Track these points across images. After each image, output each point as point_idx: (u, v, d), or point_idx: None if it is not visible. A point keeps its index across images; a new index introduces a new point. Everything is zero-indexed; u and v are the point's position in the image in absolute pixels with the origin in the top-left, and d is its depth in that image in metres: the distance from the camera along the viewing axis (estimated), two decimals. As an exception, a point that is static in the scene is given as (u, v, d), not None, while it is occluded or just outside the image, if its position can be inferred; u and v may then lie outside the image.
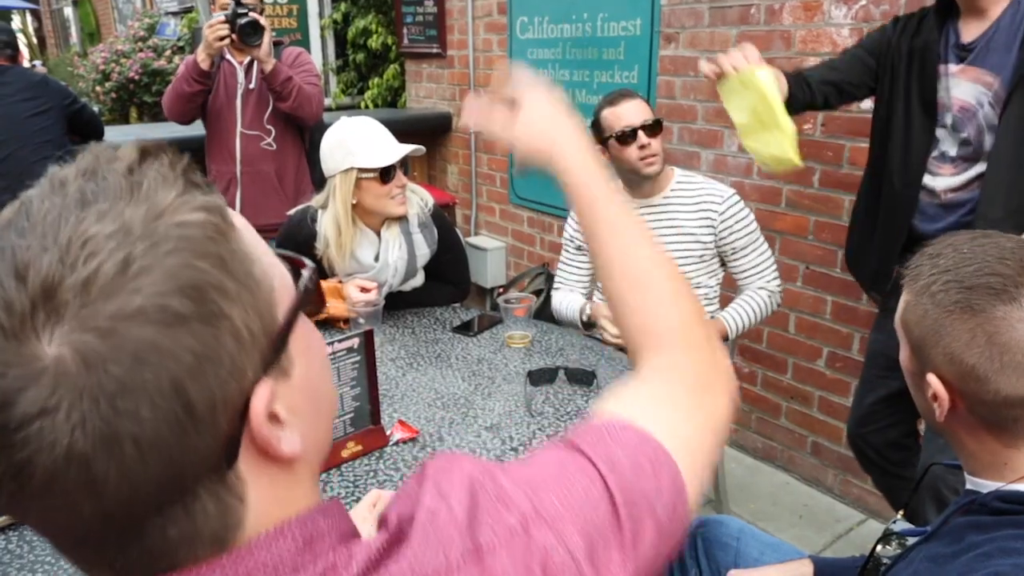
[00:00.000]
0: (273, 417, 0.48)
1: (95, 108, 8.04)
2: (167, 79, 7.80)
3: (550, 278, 3.78)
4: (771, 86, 1.70)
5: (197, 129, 3.09)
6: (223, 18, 2.68)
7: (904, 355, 0.95)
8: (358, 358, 1.47)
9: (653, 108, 3.05)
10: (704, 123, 2.92)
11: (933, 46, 1.75)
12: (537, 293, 3.75)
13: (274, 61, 2.75)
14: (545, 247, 3.90)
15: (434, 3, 4.18)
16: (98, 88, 8.04)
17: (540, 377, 1.76)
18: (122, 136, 3.67)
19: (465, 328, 2.11)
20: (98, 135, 3.36)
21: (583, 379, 1.75)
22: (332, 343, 1.42)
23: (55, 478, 0.41)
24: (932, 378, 0.88)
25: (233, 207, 2.84)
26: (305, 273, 0.54)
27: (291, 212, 2.17)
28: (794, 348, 2.80)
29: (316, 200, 2.11)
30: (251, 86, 2.86)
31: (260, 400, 0.46)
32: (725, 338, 2.24)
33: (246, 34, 2.67)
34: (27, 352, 0.40)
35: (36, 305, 0.40)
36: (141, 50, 8.04)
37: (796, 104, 1.86)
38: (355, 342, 1.46)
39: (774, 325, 2.83)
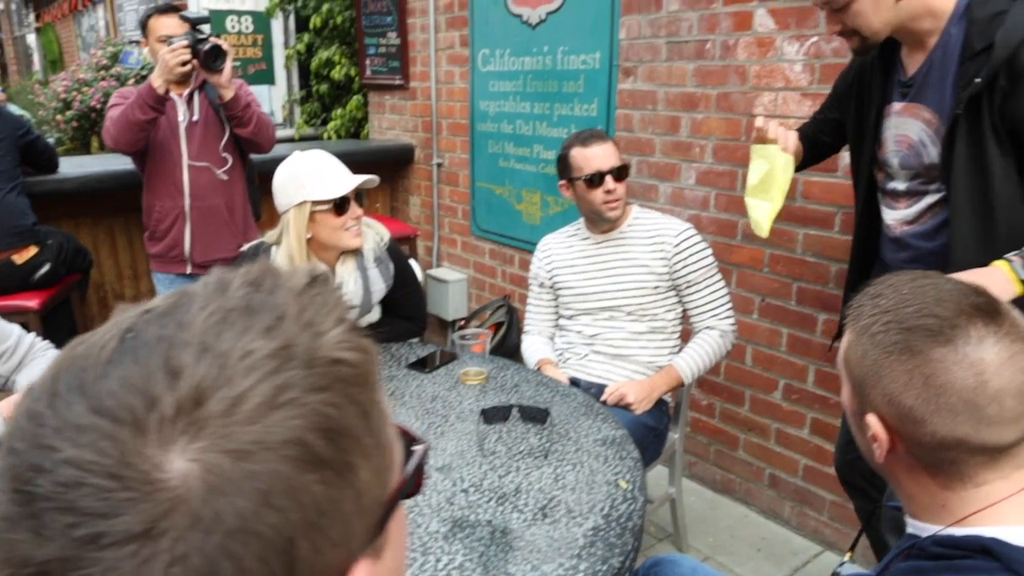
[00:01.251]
0: None
1: (55, 137, 7.97)
2: (129, 108, 7.72)
3: (511, 310, 3.77)
4: (789, 170, 1.84)
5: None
6: (185, 42, 2.62)
7: (845, 394, 0.95)
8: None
9: (612, 138, 3.10)
10: (662, 156, 2.95)
11: (876, 89, 1.75)
12: (498, 325, 3.73)
13: (235, 87, 2.71)
14: (506, 279, 3.89)
15: (397, 35, 4.20)
16: (59, 117, 7.92)
17: (493, 415, 1.74)
18: (78, 168, 3.61)
19: (420, 365, 2.08)
20: (51, 168, 3.29)
21: (537, 417, 1.73)
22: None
23: None
24: (871, 419, 0.88)
25: (182, 243, 2.85)
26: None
27: (244, 248, 2.14)
28: (751, 380, 2.81)
29: (269, 235, 2.09)
30: (195, 118, 2.79)
31: None
32: (681, 384, 2.25)
33: (210, 59, 2.62)
34: (153, 458, 0.35)
35: (181, 410, 0.36)
36: (104, 79, 7.95)
37: (805, 162, 2.00)
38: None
39: (731, 357, 2.84)
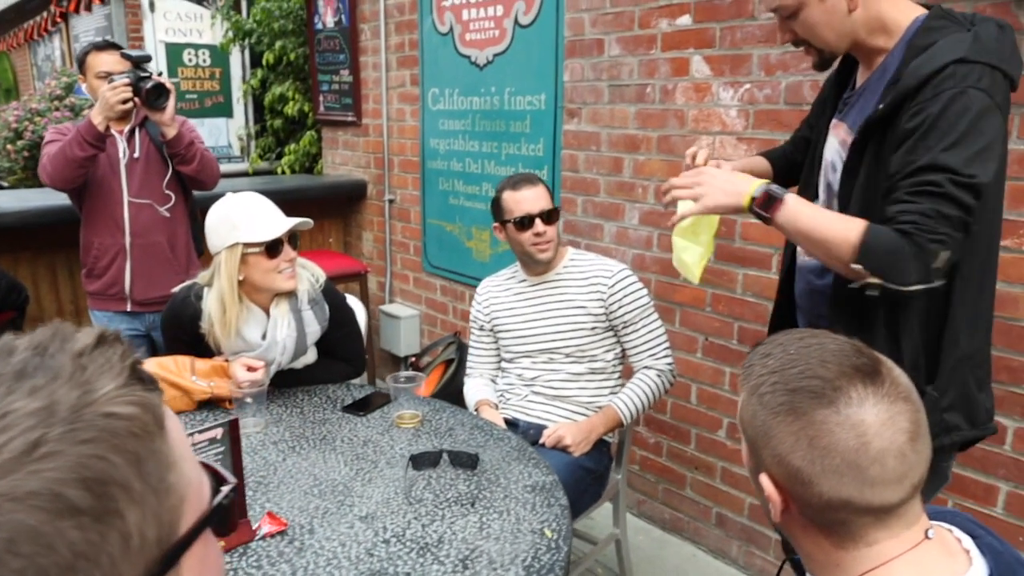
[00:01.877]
0: None
1: (6, 167, 7.82)
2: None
3: (461, 347, 3.75)
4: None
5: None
6: (126, 80, 2.60)
7: (744, 453, 0.95)
8: (222, 448, 1.41)
9: (558, 181, 3.13)
10: (607, 196, 2.98)
11: (828, 105, 1.65)
12: (448, 363, 3.71)
13: (177, 125, 2.68)
14: (457, 315, 3.88)
15: (349, 72, 4.21)
16: (9, 147, 7.78)
17: (423, 461, 1.71)
18: (18, 202, 3.54)
19: (356, 407, 2.05)
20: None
21: (466, 462, 1.71)
22: (192, 434, 1.36)
23: None
24: (764, 479, 0.88)
25: (122, 281, 2.80)
26: (224, 490, 0.53)
27: (175, 290, 2.10)
28: (696, 419, 2.82)
29: (201, 277, 2.05)
30: (135, 155, 2.75)
31: None
32: (620, 424, 2.25)
33: (152, 97, 2.59)
34: None
35: None
36: (57, 109, 7.84)
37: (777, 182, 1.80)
38: (218, 432, 1.40)
39: (677, 396, 2.86)
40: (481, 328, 2.43)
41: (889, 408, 0.83)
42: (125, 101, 2.58)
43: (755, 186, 1.47)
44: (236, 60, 6.37)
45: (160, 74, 2.72)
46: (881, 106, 1.38)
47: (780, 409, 0.86)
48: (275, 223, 1.96)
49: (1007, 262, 1.94)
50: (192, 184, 2.84)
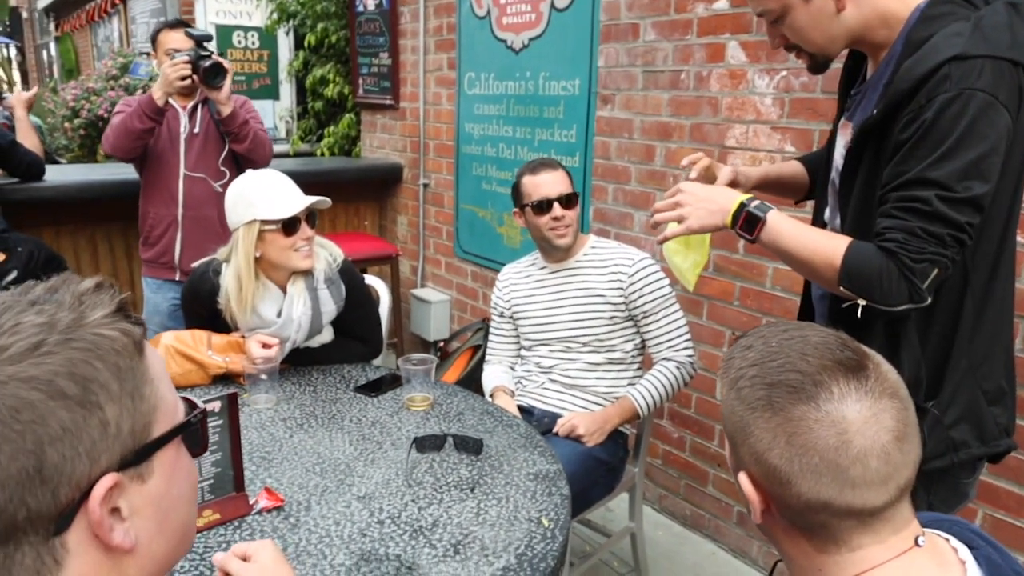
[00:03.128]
0: (115, 511, 0.58)
1: (63, 143, 8.05)
2: (136, 118, 7.79)
3: (489, 333, 3.74)
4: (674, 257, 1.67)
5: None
6: (186, 58, 2.71)
7: (727, 450, 0.91)
8: (220, 422, 1.42)
9: (589, 168, 3.08)
10: (638, 184, 2.92)
11: (839, 98, 1.57)
12: (476, 348, 3.70)
13: (232, 104, 2.78)
14: (487, 302, 3.86)
15: (389, 56, 4.21)
16: (67, 124, 8.01)
17: (427, 444, 1.70)
18: (60, 176, 3.63)
19: (368, 388, 2.05)
20: (32, 176, 3.29)
21: (471, 447, 1.70)
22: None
23: None
24: (743, 478, 0.84)
25: (172, 250, 2.90)
26: (195, 411, 0.68)
27: (194, 264, 2.12)
28: (720, 415, 2.75)
29: (220, 253, 2.07)
30: (195, 131, 2.87)
31: (102, 486, 0.56)
32: (636, 416, 2.20)
33: (210, 76, 2.70)
34: None
35: None
36: (112, 88, 8.04)
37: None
38: (216, 405, 1.41)
39: (702, 391, 2.80)
40: (501, 315, 2.41)
41: (873, 405, 0.78)
42: (184, 78, 2.70)
43: (736, 204, 1.40)
44: (284, 43, 6.43)
45: (222, 54, 2.81)
46: (875, 111, 1.30)
47: (757, 404, 0.81)
48: (293, 201, 1.96)
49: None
50: (245, 163, 2.91)
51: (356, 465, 1.64)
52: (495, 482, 1.59)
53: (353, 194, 4.34)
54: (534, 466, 1.66)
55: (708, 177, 1.68)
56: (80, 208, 3.58)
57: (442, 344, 4.03)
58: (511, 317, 2.38)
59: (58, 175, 3.65)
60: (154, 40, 2.95)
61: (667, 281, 2.22)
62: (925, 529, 0.84)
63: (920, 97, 1.21)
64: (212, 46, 2.84)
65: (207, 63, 2.69)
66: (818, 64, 1.44)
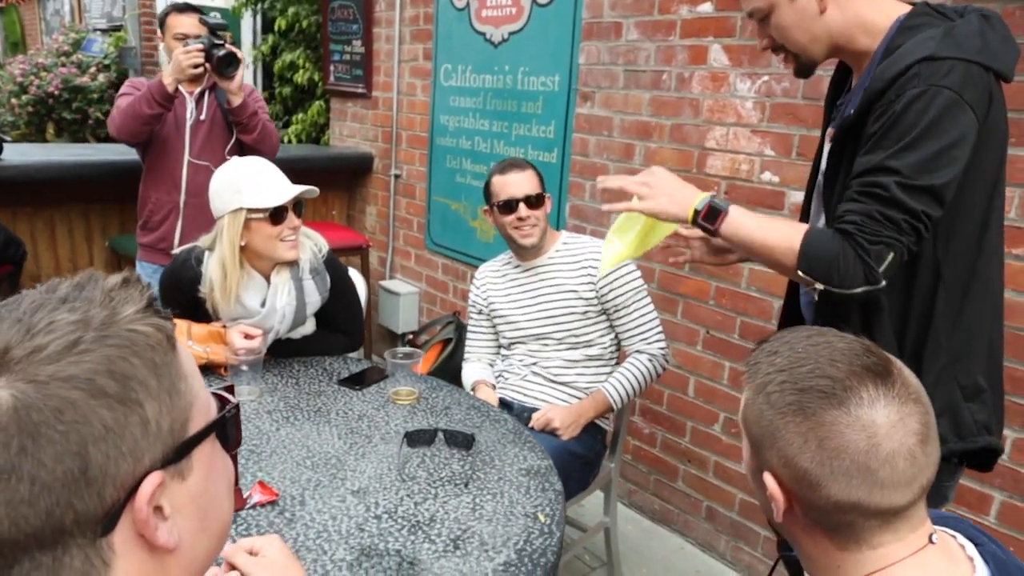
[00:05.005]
0: (158, 510, 0.57)
1: (9, 120, 7.75)
2: (89, 96, 7.55)
3: (460, 327, 3.73)
4: (659, 228, 1.65)
5: (122, 154, 2.99)
6: (200, 46, 2.68)
7: (744, 451, 0.93)
8: (215, 415, 1.39)
9: (567, 164, 3.10)
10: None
11: (826, 108, 1.61)
12: (447, 342, 3.69)
13: (243, 94, 2.77)
14: (458, 295, 3.86)
15: (362, 43, 4.16)
16: (14, 100, 7.71)
17: (417, 439, 1.70)
18: (19, 156, 3.50)
19: (352, 381, 2.03)
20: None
21: (462, 442, 1.70)
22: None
23: None
24: (768, 479, 0.86)
25: (172, 236, 2.86)
26: (228, 406, 0.67)
27: (175, 251, 2.07)
28: (693, 411, 2.81)
29: (203, 240, 2.03)
30: (201, 117, 2.86)
31: (148, 484, 0.55)
32: (610, 409, 2.23)
33: (223, 65, 2.68)
34: None
35: None
36: (63, 65, 7.77)
37: None
38: (213, 398, 1.38)
39: (674, 388, 2.84)
40: (480, 312, 2.41)
41: (900, 409, 0.81)
42: (196, 66, 2.67)
43: (700, 199, 1.44)
44: (247, 25, 6.30)
45: (234, 43, 2.77)
46: (852, 112, 1.35)
47: (788, 409, 0.83)
48: (280, 189, 1.93)
49: (1017, 271, 1.92)
50: (251, 152, 2.86)
51: (347, 459, 1.63)
52: (488, 477, 1.59)
53: (321, 183, 4.17)
54: (525, 461, 1.67)
55: (710, 245, 1.71)
56: (39, 190, 3.46)
57: (410, 337, 4.01)
58: (489, 315, 2.39)
59: (14, 154, 3.52)
60: (162, 23, 2.91)
61: (638, 274, 2.25)
62: (935, 527, 0.88)
63: (891, 93, 1.27)
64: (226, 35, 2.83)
65: (221, 52, 2.67)
66: (802, 66, 1.49)
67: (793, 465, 0.83)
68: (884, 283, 1.30)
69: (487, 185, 2.27)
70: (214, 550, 0.67)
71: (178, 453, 0.59)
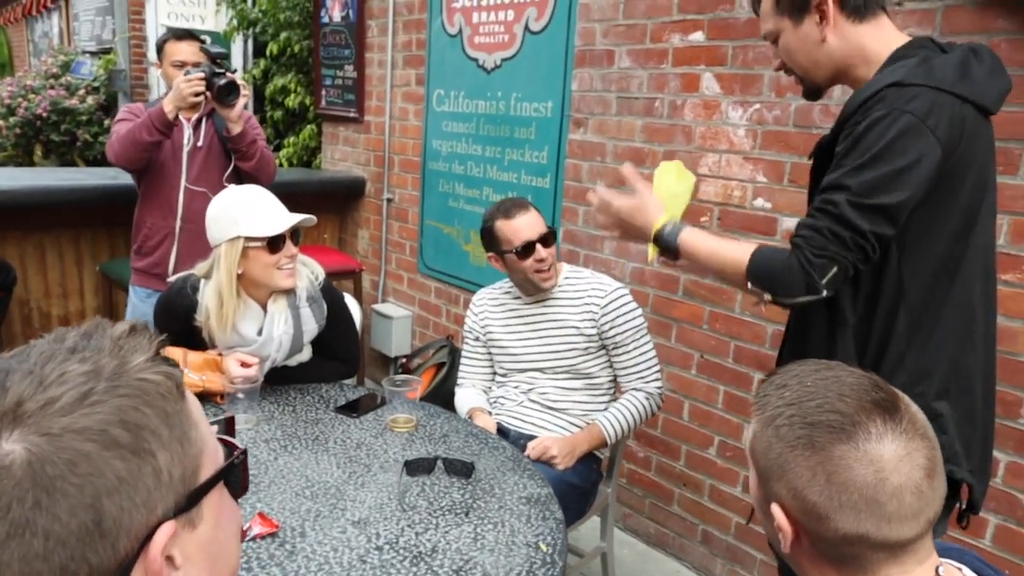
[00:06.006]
0: (169, 560, 0.57)
1: (-3, 143, 7.72)
2: (78, 119, 7.53)
3: (454, 351, 3.73)
4: (663, 184, 1.70)
5: (113, 178, 3.00)
6: (201, 74, 2.70)
7: (752, 482, 0.94)
8: (216, 446, 1.38)
9: (560, 190, 3.12)
10: (608, 208, 2.96)
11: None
12: (440, 366, 3.68)
13: (243, 123, 2.78)
14: (451, 319, 3.86)
15: (354, 68, 4.19)
16: (1, 122, 7.69)
17: (417, 467, 1.69)
18: (8, 181, 3.49)
19: (348, 409, 2.03)
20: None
21: (461, 471, 1.70)
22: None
23: None
24: (776, 510, 0.87)
25: (167, 262, 2.86)
26: (236, 452, 0.67)
27: (171, 279, 2.07)
28: (687, 435, 2.82)
29: (199, 268, 2.02)
30: (199, 144, 2.87)
31: (162, 535, 0.55)
32: (604, 444, 2.23)
33: (224, 94, 2.70)
34: None
35: (7, 412, 0.52)
36: (52, 87, 7.75)
37: None
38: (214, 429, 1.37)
39: (669, 412, 2.85)
40: (477, 339, 2.40)
41: (907, 444, 0.82)
42: (198, 94, 2.69)
43: (656, 230, 1.53)
44: (238, 49, 6.32)
45: (234, 71, 2.80)
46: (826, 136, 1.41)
47: (798, 443, 0.84)
48: (278, 218, 1.93)
49: (1007, 296, 1.95)
50: (249, 180, 2.87)
51: (347, 489, 1.63)
52: (488, 506, 1.59)
53: (313, 206, 4.19)
54: (525, 490, 1.67)
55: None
56: (28, 214, 3.44)
57: (403, 361, 4.00)
58: (485, 343, 2.38)
59: (4, 178, 3.52)
60: (160, 49, 2.93)
61: (639, 312, 2.26)
62: (941, 559, 0.89)
63: (858, 115, 1.32)
64: (228, 63, 2.89)
65: (222, 81, 2.69)
66: (808, 90, 1.55)
67: (802, 498, 0.84)
68: (826, 293, 1.34)
69: (489, 231, 2.22)
70: None
71: (189, 502, 0.58)
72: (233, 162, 2.90)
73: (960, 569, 0.90)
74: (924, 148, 1.27)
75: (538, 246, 2.16)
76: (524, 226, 2.16)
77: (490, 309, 2.37)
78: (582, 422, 2.26)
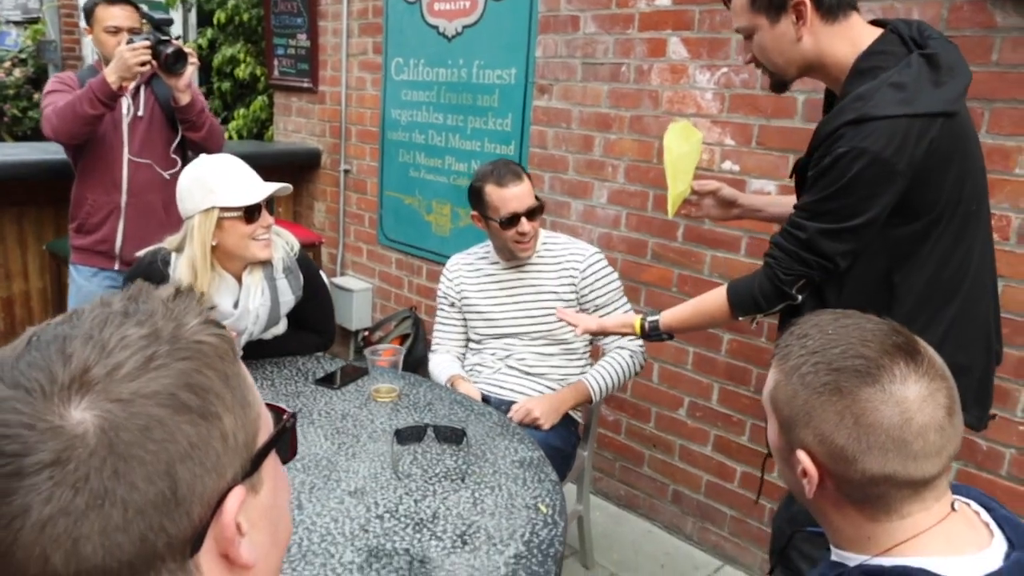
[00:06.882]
0: (237, 526, 0.55)
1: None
2: (4, 93, 7.17)
3: (417, 322, 3.71)
4: (673, 145, 1.83)
5: (55, 153, 2.88)
6: (147, 42, 2.54)
7: (772, 431, 0.96)
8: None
9: (525, 157, 3.11)
10: (575, 174, 2.97)
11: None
12: (404, 338, 3.66)
13: (191, 92, 2.65)
14: (413, 290, 3.83)
15: (307, 37, 4.07)
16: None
17: (408, 436, 1.68)
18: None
19: (328, 380, 2.00)
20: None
21: (452, 437, 1.69)
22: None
23: (44, 527, 0.46)
24: (802, 455, 0.89)
25: (113, 239, 2.73)
26: (286, 417, 0.65)
27: (140, 253, 2.00)
28: (657, 397, 2.86)
29: (169, 242, 1.96)
30: (139, 113, 2.73)
31: (234, 500, 0.54)
32: (589, 400, 2.25)
33: (171, 63, 2.55)
34: (57, 412, 0.48)
35: (74, 379, 0.49)
36: (-23, 60, 7.36)
37: None
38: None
39: (639, 375, 2.88)
40: (452, 305, 2.39)
41: (929, 385, 0.85)
42: (144, 63, 2.53)
43: (638, 331, 1.85)
44: (178, 17, 6.08)
45: (179, 38, 2.66)
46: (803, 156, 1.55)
47: (824, 389, 0.87)
48: (254, 187, 1.88)
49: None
50: (197, 150, 2.75)
51: (338, 460, 1.61)
52: (483, 471, 1.59)
53: (266, 178, 4.16)
54: (517, 453, 1.68)
55: (718, 199, 1.94)
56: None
57: (366, 334, 3.96)
58: (460, 308, 2.38)
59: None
60: (89, 14, 2.72)
61: (616, 275, 2.28)
62: (954, 496, 0.93)
63: (823, 148, 1.45)
64: (172, 31, 2.72)
65: (169, 49, 2.54)
66: (776, 84, 1.64)
67: (829, 442, 0.86)
68: (800, 298, 1.55)
69: (478, 192, 2.20)
70: (280, 565, 0.66)
71: (253, 465, 0.57)
72: (180, 133, 2.77)
73: (968, 504, 0.94)
74: (884, 178, 1.39)
75: (523, 219, 2.15)
76: (514, 197, 2.14)
77: (466, 274, 2.36)
78: (560, 386, 2.28)
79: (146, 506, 0.49)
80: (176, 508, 0.50)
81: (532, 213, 2.17)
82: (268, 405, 0.64)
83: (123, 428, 0.49)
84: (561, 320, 2.07)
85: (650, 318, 1.79)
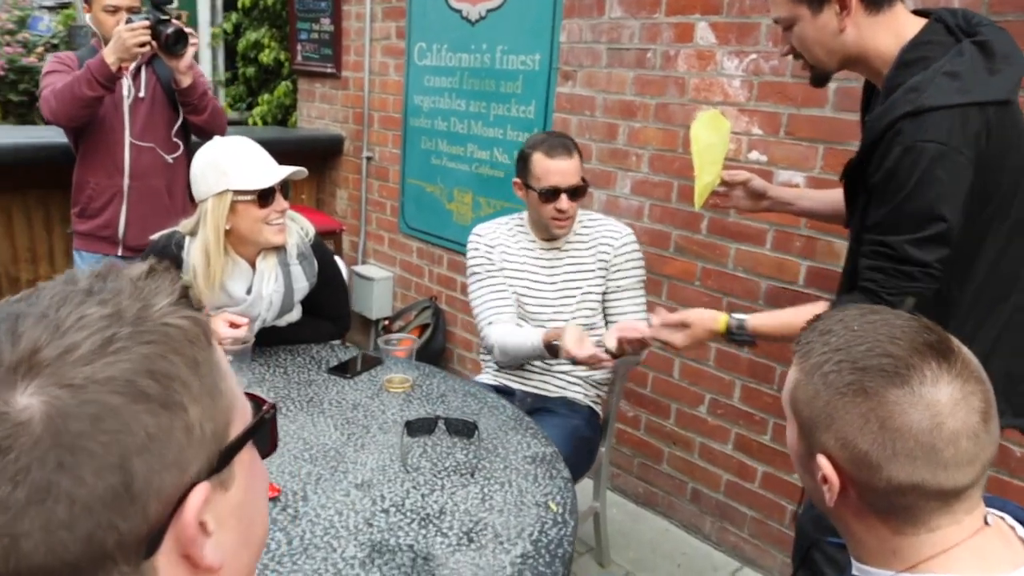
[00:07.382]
0: (201, 525, 0.51)
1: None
2: (36, 78, 7.25)
3: (438, 312, 3.68)
4: (701, 135, 1.78)
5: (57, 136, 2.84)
6: (146, 22, 2.48)
7: (792, 434, 0.90)
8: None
9: (577, 149, 3.02)
10: (599, 163, 2.91)
11: (863, 112, 1.68)
12: (424, 327, 3.63)
13: (193, 74, 2.60)
14: (434, 279, 3.79)
15: (331, 22, 4.04)
16: (-45, 81, 7.37)
17: (418, 428, 1.65)
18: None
19: (342, 369, 1.97)
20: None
21: (463, 430, 1.65)
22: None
23: None
24: (823, 460, 0.83)
25: (116, 223, 2.68)
26: (265, 408, 0.60)
27: (154, 237, 1.98)
28: (678, 394, 2.80)
29: (183, 225, 1.94)
30: (140, 95, 2.67)
31: (197, 497, 0.50)
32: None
33: (171, 44, 2.49)
34: (0, 396, 0.44)
35: (21, 360, 0.45)
36: (8, 44, 7.44)
37: None
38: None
39: (659, 370, 2.83)
40: (499, 269, 2.20)
41: (963, 388, 0.79)
42: (143, 44, 2.47)
43: (722, 331, 1.65)
44: (204, 3, 6.09)
45: (179, 17, 2.62)
46: (855, 156, 1.46)
47: (848, 389, 0.81)
48: (268, 171, 1.85)
49: None
50: (199, 133, 2.74)
51: (346, 451, 1.58)
52: (494, 466, 1.55)
53: (290, 165, 4.16)
54: (529, 448, 1.64)
55: (748, 190, 1.87)
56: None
57: (386, 323, 3.94)
58: (500, 271, 2.21)
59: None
60: None
61: (644, 263, 2.23)
62: (988, 509, 0.86)
63: (882, 147, 1.36)
64: (171, 10, 2.63)
65: (169, 29, 2.48)
66: (816, 77, 1.57)
67: (852, 447, 0.80)
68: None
69: (525, 158, 2.11)
70: (253, 567, 0.61)
71: (221, 461, 0.53)
72: (182, 116, 2.71)
73: (1003, 518, 0.88)
74: (954, 170, 1.30)
75: (563, 196, 2.06)
76: (559, 171, 2.06)
77: (504, 241, 2.22)
78: (581, 381, 2.22)
79: (94, 502, 0.45)
80: (130, 505, 0.46)
81: (575, 192, 2.08)
82: (248, 395, 0.60)
83: (72, 416, 0.44)
84: (655, 339, 1.80)
85: (736, 315, 1.64)
